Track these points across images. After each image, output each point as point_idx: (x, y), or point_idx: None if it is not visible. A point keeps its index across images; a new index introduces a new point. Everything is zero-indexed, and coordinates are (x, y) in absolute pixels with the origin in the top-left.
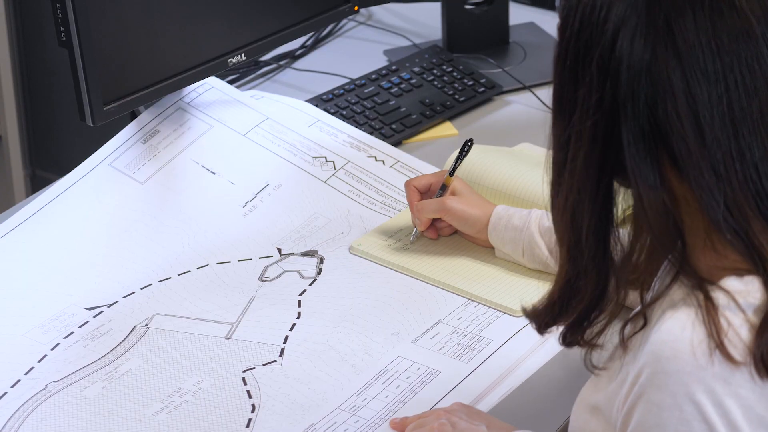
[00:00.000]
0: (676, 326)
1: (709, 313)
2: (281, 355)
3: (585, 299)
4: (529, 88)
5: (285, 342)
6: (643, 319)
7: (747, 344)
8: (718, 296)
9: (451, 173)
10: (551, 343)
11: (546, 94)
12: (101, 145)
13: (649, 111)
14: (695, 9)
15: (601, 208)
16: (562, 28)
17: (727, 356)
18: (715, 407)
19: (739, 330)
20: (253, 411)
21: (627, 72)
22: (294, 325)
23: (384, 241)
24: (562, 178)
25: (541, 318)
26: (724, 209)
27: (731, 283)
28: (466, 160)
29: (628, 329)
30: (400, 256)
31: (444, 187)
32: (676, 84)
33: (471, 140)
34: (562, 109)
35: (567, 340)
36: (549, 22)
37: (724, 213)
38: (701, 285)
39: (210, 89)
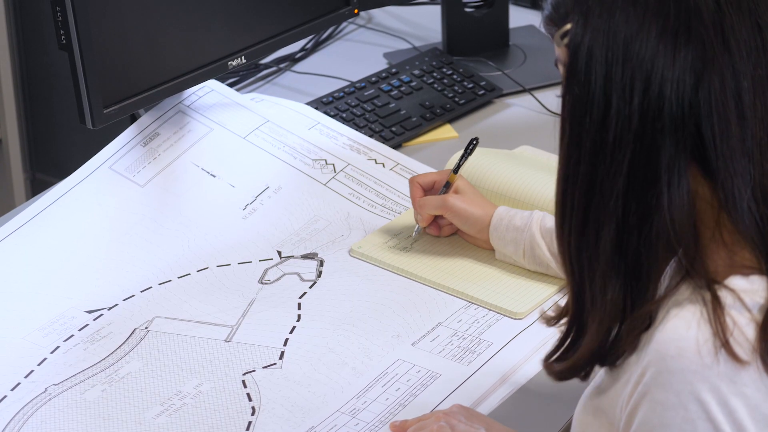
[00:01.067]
0: (681, 325)
1: (715, 311)
2: (281, 357)
3: (605, 321)
4: (529, 90)
5: (285, 345)
6: (649, 319)
7: (753, 343)
8: (724, 295)
9: (456, 170)
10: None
11: (546, 96)
12: (101, 148)
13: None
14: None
15: (623, 218)
16: (575, 114)
17: (733, 355)
18: (720, 406)
19: (744, 329)
20: (253, 414)
21: (669, 110)
22: (294, 327)
23: (384, 243)
24: (588, 214)
25: (590, 363)
26: (749, 201)
27: (737, 282)
28: (466, 163)
29: (633, 330)
30: (400, 259)
31: (448, 185)
32: (725, 100)
33: (476, 139)
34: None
35: (605, 362)
36: None
37: (748, 203)
38: (709, 284)
39: (210, 92)
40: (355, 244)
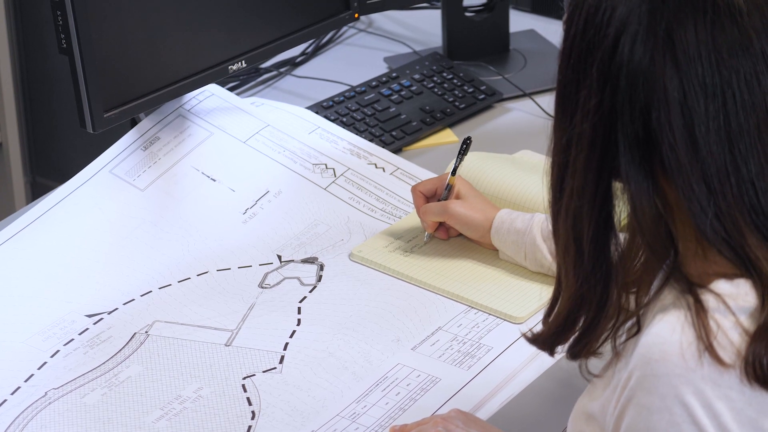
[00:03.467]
0: (665, 329)
1: (699, 315)
2: (281, 362)
3: (591, 308)
4: (530, 95)
5: (285, 349)
6: (637, 325)
7: (737, 347)
8: (708, 299)
9: (453, 172)
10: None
11: (546, 101)
12: (101, 152)
13: (644, 118)
14: (697, 21)
15: (600, 212)
16: (568, 25)
17: (717, 358)
18: (704, 409)
19: (728, 332)
20: (253, 418)
21: (626, 78)
22: (294, 332)
23: (384, 247)
24: (563, 182)
25: (552, 339)
26: (713, 220)
27: (721, 286)
28: (466, 167)
29: (622, 336)
30: (400, 263)
31: (449, 187)
32: (671, 94)
33: (469, 138)
34: (564, 109)
35: (574, 353)
36: (549, 29)
37: (711, 223)
38: (691, 289)
39: (210, 96)
40: (356, 248)
